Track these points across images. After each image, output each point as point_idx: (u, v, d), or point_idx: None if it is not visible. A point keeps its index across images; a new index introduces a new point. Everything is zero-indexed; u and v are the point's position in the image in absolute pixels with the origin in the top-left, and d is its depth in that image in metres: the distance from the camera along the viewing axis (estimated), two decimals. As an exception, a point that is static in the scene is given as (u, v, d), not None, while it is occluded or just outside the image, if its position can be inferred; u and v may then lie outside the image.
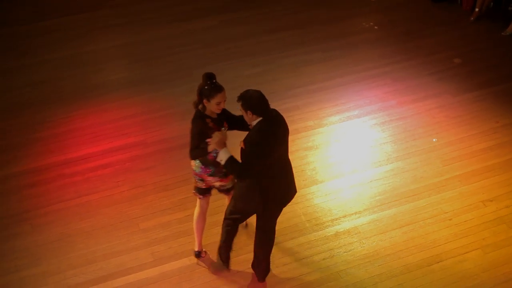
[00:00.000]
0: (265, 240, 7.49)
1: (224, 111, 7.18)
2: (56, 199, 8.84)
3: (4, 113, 10.42)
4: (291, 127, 9.66)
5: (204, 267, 7.94)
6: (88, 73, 11.34)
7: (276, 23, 12.64)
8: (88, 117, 10.20)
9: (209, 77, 6.98)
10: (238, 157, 6.76)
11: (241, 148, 6.78)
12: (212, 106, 6.99)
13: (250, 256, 7.72)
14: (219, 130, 7.02)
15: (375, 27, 12.51)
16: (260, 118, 6.72)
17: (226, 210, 7.49)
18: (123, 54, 11.83)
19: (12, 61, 11.69)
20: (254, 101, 6.66)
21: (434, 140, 9.69)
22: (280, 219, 8.34)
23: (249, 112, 6.68)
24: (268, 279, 7.74)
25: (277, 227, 8.21)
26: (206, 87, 6.96)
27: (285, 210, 8.43)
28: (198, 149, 7.14)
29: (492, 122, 10.04)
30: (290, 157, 9.15)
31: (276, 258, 7.97)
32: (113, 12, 13.08)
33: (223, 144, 6.77)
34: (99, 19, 12.89)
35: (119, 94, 10.44)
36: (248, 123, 6.88)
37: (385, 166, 9.30)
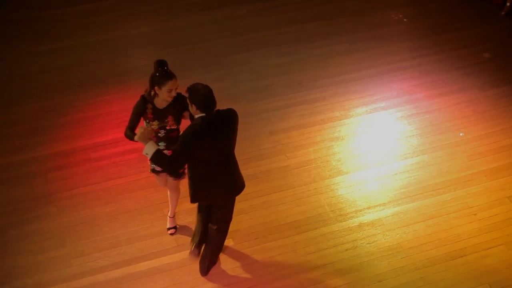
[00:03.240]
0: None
1: (183, 100, 7.04)
2: (82, 183, 8.92)
3: (34, 96, 10.50)
4: (317, 118, 9.85)
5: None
6: (116, 59, 11.39)
7: (305, 13, 12.61)
8: (115, 102, 10.26)
9: (161, 64, 6.88)
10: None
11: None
12: (164, 94, 6.96)
13: (271, 245, 7.77)
14: (154, 119, 7.08)
15: (404, 20, 12.44)
16: (202, 114, 6.59)
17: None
18: (151, 41, 11.86)
19: (42, 45, 11.76)
20: (199, 96, 6.51)
21: (461, 134, 9.64)
22: (304, 208, 8.47)
23: (193, 106, 6.56)
24: (291, 267, 7.82)
25: (300, 217, 8.37)
26: (157, 74, 6.90)
27: (309, 199, 8.58)
28: (130, 133, 7.14)
29: (520, 117, 10.00)
30: (316, 147, 9.27)
31: (300, 247, 8.00)
32: (142, -1, 13.16)
33: (146, 139, 6.66)
34: (128, 5, 12.92)
35: (146, 81, 10.49)
36: (193, 115, 6.75)
37: (411, 159, 9.27)
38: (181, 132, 6.73)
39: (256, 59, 11.29)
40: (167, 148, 7.30)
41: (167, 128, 7.22)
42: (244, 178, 8.68)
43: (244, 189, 8.42)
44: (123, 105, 10.06)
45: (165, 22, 12.38)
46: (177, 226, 8.30)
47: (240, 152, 9.12)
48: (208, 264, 7.74)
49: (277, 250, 7.99)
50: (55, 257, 7.97)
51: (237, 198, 7.93)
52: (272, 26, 12.23)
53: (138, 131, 6.68)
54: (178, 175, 7.66)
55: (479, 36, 11.87)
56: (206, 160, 6.79)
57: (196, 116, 6.64)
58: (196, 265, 7.80)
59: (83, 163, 9.20)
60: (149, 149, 6.65)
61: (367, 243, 8.10)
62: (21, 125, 9.92)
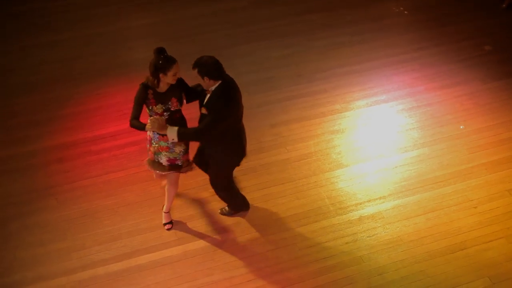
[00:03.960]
0: (223, 192, 8.04)
1: (181, 82, 7.35)
2: (82, 175, 8.92)
3: (34, 88, 10.49)
4: (317, 110, 9.87)
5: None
6: (117, 50, 11.38)
7: (306, 5, 12.58)
8: (116, 95, 10.25)
9: (160, 52, 7.09)
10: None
11: (202, 113, 7.10)
12: (169, 78, 7.13)
13: (271, 238, 7.78)
14: (157, 103, 7.23)
15: (405, 12, 12.41)
16: (218, 83, 6.90)
17: (212, 184, 7.95)
18: (152, 32, 11.84)
19: (43, 37, 11.74)
20: (210, 66, 6.86)
21: (461, 127, 9.64)
22: (304, 201, 8.48)
23: (206, 78, 6.88)
24: (291, 260, 7.82)
25: (300, 210, 8.39)
26: (160, 62, 7.07)
27: (309, 193, 8.59)
28: (138, 123, 7.22)
29: (522, 110, 9.99)
30: (317, 140, 9.29)
31: (299, 240, 8.01)
32: (143, -10, 13.12)
33: (163, 127, 7.02)
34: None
35: (147, 73, 10.48)
36: (206, 89, 7.06)
37: (411, 152, 9.27)
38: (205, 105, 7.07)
39: (257, 51, 11.27)
40: None
41: (172, 109, 7.33)
42: (244, 171, 8.81)
43: (244, 182, 8.58)
44: (124, 97, 10.05)
45: (166, 14, 12.35)
46: (173, 221, 8.32)
47: (241, 145, 9.14)
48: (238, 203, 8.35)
49: (277, 243, 8.00)
50: (55, 250, 7.98)
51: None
52: (273, 18, 12.20)
53: (152, 122, 7.01)
54: (186, 166, 7.81)
55: (480, 28, 11.84)
56: (236, 120, 7.25)
57: (213, 87, 6.97)
58: (197, 258, 7.83)
59: (84, 156, 9.20)
60: (171, 132, 7.00)
61: (367, 236, 8.10)
62: (22, 117, 9.92)
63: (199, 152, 7.86)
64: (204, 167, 8.01)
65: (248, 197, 8.41)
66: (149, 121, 7.07)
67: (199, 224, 8.24)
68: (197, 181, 8.75)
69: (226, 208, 8.36)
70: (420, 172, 8.95)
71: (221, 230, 8.17)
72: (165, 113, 7.33)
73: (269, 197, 8.58)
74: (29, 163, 9.13)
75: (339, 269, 7.73)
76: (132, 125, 7.24)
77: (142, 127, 7.15)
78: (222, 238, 8.08)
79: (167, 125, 7.05)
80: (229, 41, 11.57)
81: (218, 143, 7.33)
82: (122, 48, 11.45)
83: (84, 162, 9.13)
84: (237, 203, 8.28)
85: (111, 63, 11.04)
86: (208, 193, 8.55)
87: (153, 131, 7.33)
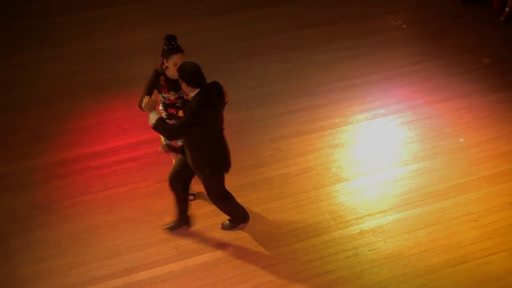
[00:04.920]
0: (221, 203, 8.07)
1: None
2: (83, 191, 8.93)
3: (35, 103, 10.52)
4: (317, 124, 9.88)
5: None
6: (117, 66, 11.41)
7: (306, 19, 12.62)
8: (116, 110, 10.28)
9: (169, 39, 7.49)
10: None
11: (179, 116, 7.45)
12: (171, 67, 7.50)
13: (272, 253, 7.77)
14: (169, 90, 7.62)
15: (404, 26, 12.45)
16: (196, 90, 7.11)
17: (208, 196, 8.03)
18: (152, 47, 11.82)
19: (43, 52, 11.78)
20: (188, 73, 7.04)
21: (461, 140, 9.64)
22: (304, 216, 8.47)
23: (184, 83, 7.12)
24: (292, 275, 7.79)
25: (301, 224, 8.36)
26: (165, 48, 7.50)
27: (310, 207, 8.58)
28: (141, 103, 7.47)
29: (521, 123, 9.99)
30: (316, 154, 9.33)
31: (300, 255, 7.99)
32: (144, 6, 13.12)
33: (150, 107, 7.25)
34: (131, 12, 12.94)
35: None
36: (186, 94, 7.44)
37: (411, 166, 9.27)
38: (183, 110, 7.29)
39: (257, 65, 11.30)
40: None
41: (185, 98, 7.73)
42: (245, 186, 8.86)
43: (244, 197, 8.60)
44: (125, 112, 10.08)
45: (166, 29, 12.25)
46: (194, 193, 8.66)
47: (240, 159, 9.21)
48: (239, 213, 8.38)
49: (278, 258, 7.98)
50: (56, 266, 7.97)
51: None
52: (273, 33, 12.23)
53: (144, 100, 7.28)
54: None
55: (479, 41, 11.87)
56: (212, 129, 7.39)
57: (192, 94, 7.16)
58: (197, 274, 7.82)
59: (84, 172, 9.21)
60: (152, 118, 7.23)
61: (368, 250, 8.09)
62: (22, 132, 9.94)
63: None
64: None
65: (249, 212, 8.40)
66: (146, 97, 7.34)
67: (200, 240, 8.23)
68: (197, 196, 8.77)
69: (227, 222, 8.36)
70: (421, 186, 8.95)
71: (222, 245, 8.16)
72: (178, 101, 7.73)
73: (269, 211, 8.57)
74: (29, 179, 9.15)
75: (340, 283, 7.71)
76: (138, 106, 7.57)
77: (141, 106, 7.47)
78: (222, 253, 8.06)
79: (154, 109, 7.29)
80: (230, 55, 11.61)
81: (198, 152, 7.47)
82: (122, 63, 11.48)
83: (84, 177, 9.14)
84: (237, 213, 8.29)
85: (112, 78, 11.07)
86: (208, 208, 8.56)
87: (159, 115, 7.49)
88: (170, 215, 8.43)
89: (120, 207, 8.67)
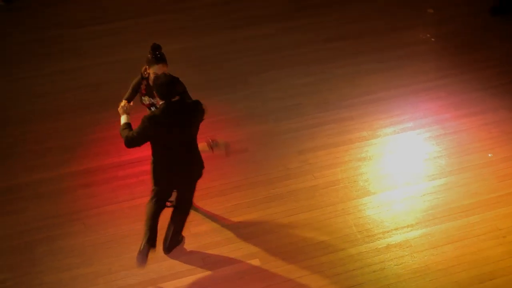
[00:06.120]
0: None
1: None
2: (109, 200, 8.96)
3: (62, 113, 10.56)
4: (345, 137, 9.85)
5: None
6: (143, 76, 11.43)
7: (333, 32, 12.60)
8: (143, 120, 10.29)
9: (154, 49, 7.67)
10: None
11: None
12: (151, 75, 7.68)
13: (298, 266, 7.74)
14: (145, 95, 7.90)
15: (432, 39, 12.40)
16: (162, 102, 7.22)
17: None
18: (178, 59, 11.83)
19: (70, 63, 11.83)
20: (159, 84, 7.15)
21: (489, 155, 9.58)
22: (331, 229, 8.47)
23: (155, 92, 7.27)
24: (318, 289, 7.76)
25: (328, 237, 8.36)
26: (149, 56, 7.68)
27: (336, 220, 8.58)
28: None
29: (551, 138, 9.91)
30: (344, 167, 9.29)
31: (327, 268, 7.97)
32: (171, 17, 13.15)
33: (123, 111, 7.65)
34: (157, 24, 12.97)
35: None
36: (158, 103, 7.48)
37: (438, 180, 9.22)
38: None
39: (284, 78, 11.29)
40: None
41: (157, 105, 7.87)
42: (272, 198, 8.78)
43: (271, 209, 8.54)
44: (151, 123, 10.10)
45: (192, 41, 12.42)
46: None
47: (267, 171, 9.21)
48: (172, 244, 8.14)
49: (304, 271, 7.96)
50: (82, 274, 8.00)
51: (264, 217, 7.98)
52: (299, 45, 12.22)
53: (120, 104, 7.68)
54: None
55: (507, 56, 11.77)
56: (162, 145, 7.42)
57: (159, 105, 7.30)
58: (223, 285, 7.81)
59: (111, 181, 9.25)
60: (122, 120, 7.61)
61: (395, 265, 8.05)
62: (50, 142, 9.98)
63: None
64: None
65: (275, 223, 8.42)
66: (124, 101, 7.76)
67: (226, 251, 8.23)
68: (226, 206, 8.77)
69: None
70: (448, 201, 8.90)
71: (248, 256, 8.15)
72: (151, 107, 7.96)
73: (296, 224, 8.55)
74: (56, 187, 9.19)
75: (366, 297, 7.70)
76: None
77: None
78: (248, 265, 8.06)
79: (125, 114, 7.65)
80: (255, 67, 11.60)
81: (152, 161, 7.68)
82: (149, 74, 11.50)
83: (111, 187, 9.17)
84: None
85: (138, 89, 11.09)
86: (235, 219, 8.56)
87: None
88: (197, 225, 8.47)
89: (146, 217, 8.68)
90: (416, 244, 8.30)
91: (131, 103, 7.70)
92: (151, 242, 7.68)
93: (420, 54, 11.96)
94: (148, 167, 9.27)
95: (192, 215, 8.53)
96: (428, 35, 12.45)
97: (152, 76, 7.63)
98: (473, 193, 8.99)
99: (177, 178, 7.70)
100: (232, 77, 11.35)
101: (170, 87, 7.12)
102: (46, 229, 8.58)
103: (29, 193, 9.11)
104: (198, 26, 12.87)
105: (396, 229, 8.51)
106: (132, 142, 7.34)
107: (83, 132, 10.14)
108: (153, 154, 7.57)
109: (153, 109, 7.91)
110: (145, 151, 9.47)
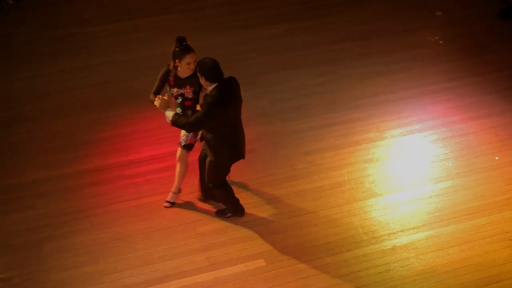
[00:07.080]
0: (217, 190, 8.36)
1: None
2: (116, 199, 8.98)
3: (71, 111, 10.62)
4: (351, 139, 9.87)
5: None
6: (153, 76, 11.41)
7: (342, 33, 12.62)
8: (151, 120, 10.32)
9: (180, 40, 7.91)
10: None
11: (197, 110, 7.87)
12: (184, 66, 7.96)
13: (304, 266, 7.77)
14: (174, 86, 8.14)
15: (440, 42, 12.40)
16: (214, 85, 7.49)
17: (208, 180, 8.31)
18: (188, 58, 11.93)
19: (80, 61, 11.90)
20: (207, 68, 7.44)
21: (496, 158, 9.56)
22: (336, 230, 8.45)
23: (203, 78, 7.52)
24: (324, 290, 7.78)
25: (333, 238, 8.36)
26: (177, 49, 7.90)
27: (342, 221, 8.55)
28: (152, 97, 8.13)
29: (559, 142, 9.89)
30: (350, 168, 9.30)
31: (332, 269, 7.96)
32: (181, 16, 13.22)
33: (164, 107, 7.72)
34: (166, 23, 13.04)
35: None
36: (205, 88, 7.69)
37: (445, 182, 9.20)
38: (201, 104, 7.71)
39: (292, 78, 11.32)
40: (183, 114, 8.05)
41: (185, 95, 8.17)
42: (278, 198, 8.84)
43: (277, 209, 8.57)
44: (159, 122, 10.10)
45: (202, 41, 12.40)
46: (175, 203, 8.84)
47: (274, 171, 9.23)
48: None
49: (309, 272, 7.95)
50: (88, 272, 8.01)
51: (270, 217, 8.03)
52: (308, 46, 12.25)
53: (157, 100, 7.77)
54: (188, 147, 8.49)
55: (516, 59, 11.79)
56: (226, 122, 7.69)
57: (210, 88, 7.53)
58: (228, 285, 7.82)
59: (118, 180, 9.27)
60: (168, 115, 7.67)
61: (400, 267, 8.04)
62: (58, 140, 10.04)
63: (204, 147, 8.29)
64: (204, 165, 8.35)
65: (281, 224, 8.43)
66: (157, 98, 7.82)
67: (231, 251, 8.23)
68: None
69: (221, 209, 8.67)
70: (454, 203, 8.88)
71: (253, 256, 8.15)
72: (179, 97, 8.20)
73: (302, 224, 8.55)
74: (63, 185, 9.23)
75: (371, 299, 7.70)
76: (150, 98, 8.15)
77: (152, 100, 8.03)
78: (254, 265, 8.05)
79: (168, 107, 7.74)
80: (264, 68, 11.63)
81: (214, 134, 7.79)
82: (157, 73, 11.50)
83: (118, 185, 9.19)
84: (233, 202, 8.50)
85: (146, 88, 10.99)
86: (241, 219, 8.57)
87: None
88: (203, 225, 8.47)
89: (153, 216, 8.70)
90: (422, 246, 8.28)
91: (166, 96, 7.87)
92: (243, 212, 8.62)
93: (428, 56, 11.96)
94: (154, 166, 9.37)
95: (198, 215, 8.58)
96: (437, 38, 12.45)
97: (185, 67, 7.92)
98: (479, 196, 8.97)
99: (241, 153, 8.09)
100: (241, 77, 11.23)
101: (218, 68, 7.48)
102: (52, 227, 8.61)
103: (36, 191, 9.15)
104: (208, 26, 12.94)
105: (402, 231, 8.50)
106: (200, 125, 7.62)
107: (91, 131, 10.19)
108: (218, 136, 7.79)
109: (180, 99, 8.18)
110: (153, 150, 9.60)
